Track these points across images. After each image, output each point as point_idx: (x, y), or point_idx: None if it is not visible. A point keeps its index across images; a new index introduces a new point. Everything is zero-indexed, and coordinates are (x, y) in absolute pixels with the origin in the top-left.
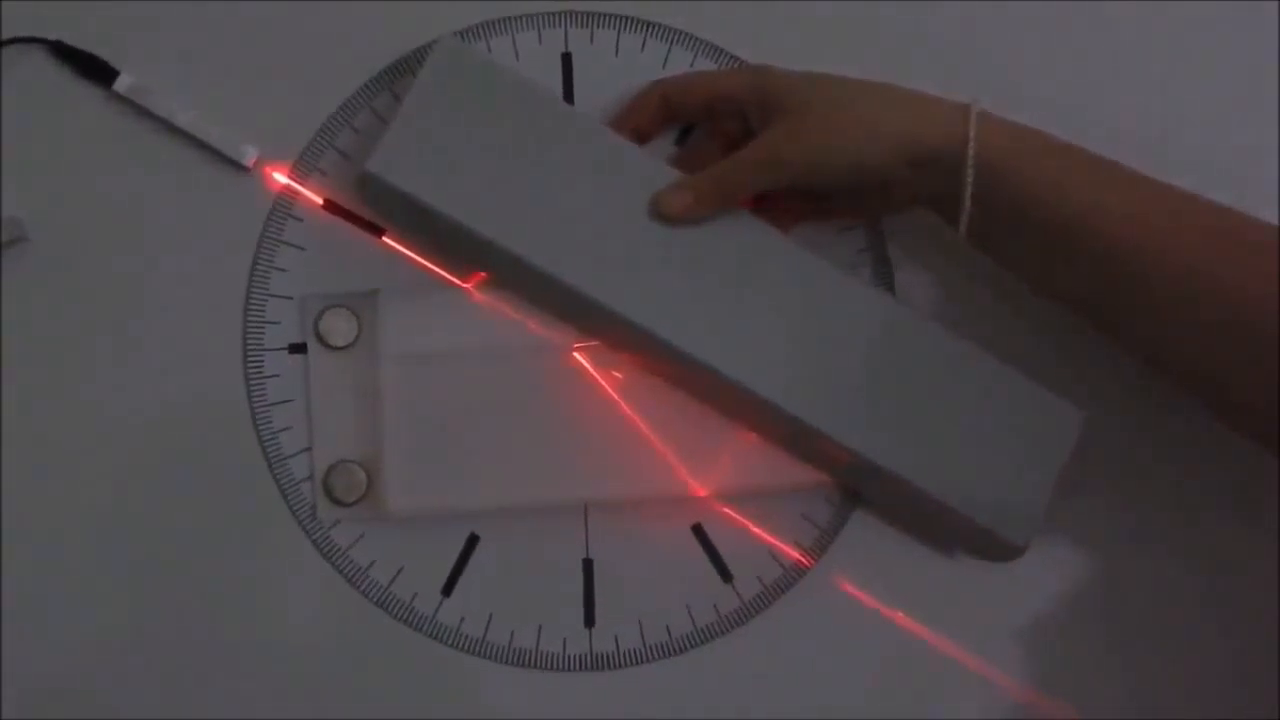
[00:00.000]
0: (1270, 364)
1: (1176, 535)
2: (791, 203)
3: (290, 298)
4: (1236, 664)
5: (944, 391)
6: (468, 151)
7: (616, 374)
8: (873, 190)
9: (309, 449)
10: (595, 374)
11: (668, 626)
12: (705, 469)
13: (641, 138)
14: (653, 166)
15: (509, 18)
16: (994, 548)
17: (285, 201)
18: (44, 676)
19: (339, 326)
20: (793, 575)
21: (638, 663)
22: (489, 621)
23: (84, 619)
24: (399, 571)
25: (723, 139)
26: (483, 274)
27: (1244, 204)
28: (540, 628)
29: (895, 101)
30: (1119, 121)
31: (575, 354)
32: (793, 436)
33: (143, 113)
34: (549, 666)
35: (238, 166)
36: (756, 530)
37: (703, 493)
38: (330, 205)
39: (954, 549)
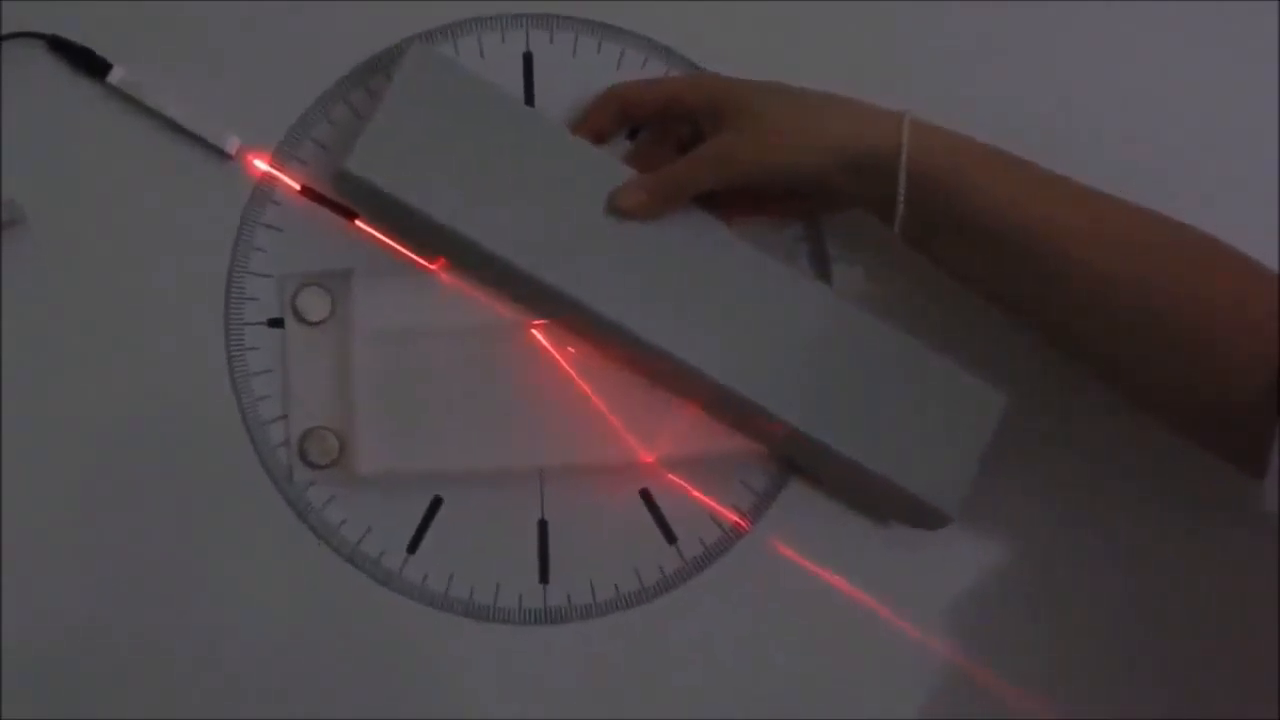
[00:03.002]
0: (1175, 354)
1: (1095, 509)
2: (736, 200)
3: (269, 276)
4: (1146, 628)
5: (875, 373)
6: (437, 151)
7: (571, 350)
8: (812, 191)
9: (285, 416)
10: (551, 350)
11: (616, 584)
12: (652, 437)
13: (598, 138)
14: (609, 166)
15: (475, 19)
16: (923, 516)
17: (265, 187)
18: (41, 616)
19: (314, 303)
20: (732, 537)
21: (588, 617)
22: (450, 578)
23: (72, 569)
24: (367, 530)
25: (673, 139)
26: (447, 257)
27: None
28: (498, 584)
29: (835, 109)
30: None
31: (533, 331)
32: (733, 410)
33: (134, 104)
34: (506, 620)
35: (221, 154)
36: (699, 495)
37: (649, 459)
38: (307, 191)
39: (886, 517)
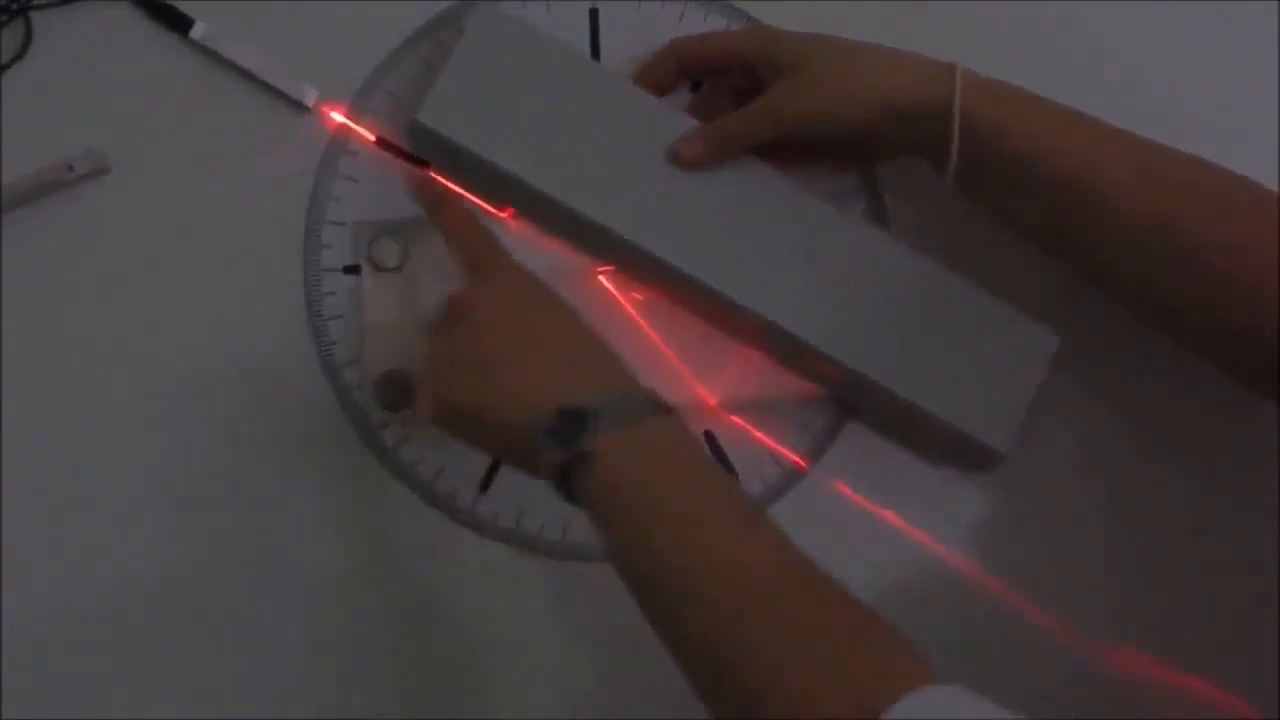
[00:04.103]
0: (1212, 291)
1: (1144, 450)
2: (793, 149)
3: (345, 224)
4: (1200, 569)
5: (930, 314)
6: (505, 103)
7: (636, 295)
8: (867, 140)
9: (361, 360)
10: (617, 295)
11: None
12: (715, 381)
13: (660, 90)
14: (670, 117)
15: None
16: (976, 454)
17: (341, 138)
18: (101, 579)
19: (388, 250)
20: (792, 477)
21: None
22: (520, 515)
23: (157, 507)
24: (441, 470)
25: (733, 91)
26: (516, 207)
27: None
28: (566, 521)
29: (888, 61)
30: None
31: (599, 277)
32: (793, 353)
33: (215, 58)
34: (574, 556)
35: (299, 106)
36: (760, 436)
37: (712, 402)
38: (381, 142)
39: (939, 457)
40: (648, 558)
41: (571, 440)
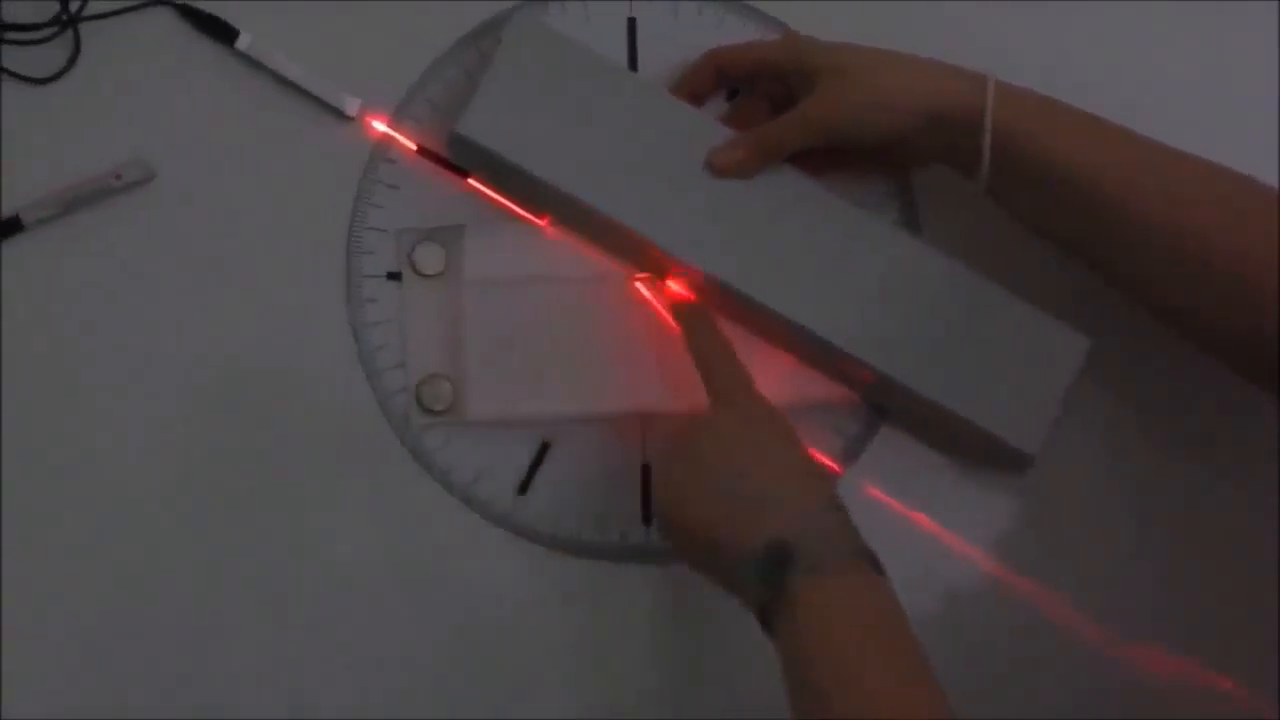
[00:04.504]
0: (1244, 304)
1: (1175, 454)
2: (828, 157)
3: (386, 231)
4: (1224, 566)
5: (961, 318)
6: (544, 113)
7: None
8: (899, 148)
9: (402, 364)
10: (654, 301)
11: None
12: None
13: (697, 100)
14: (708, 125)
15: None
16: (1006, 457)
17: (383, 146)
18: (126, 565)
19: (430, 257)
20: None
21: None
22: (558, 518)
23: (198, 508)
24: (480, 473)
25: (768, 100)
26: (555, 214)
27: None
28: (603, 524)
29: (921, 70)
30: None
31: (636, 284)
32: (825, 358)
33: (259, 68)
34: (610, 558)
35: (342, 115)
36: None
37: None
38: (422, 150)
39: (972, 460)
40: (821, 709)
41: (774, 579)
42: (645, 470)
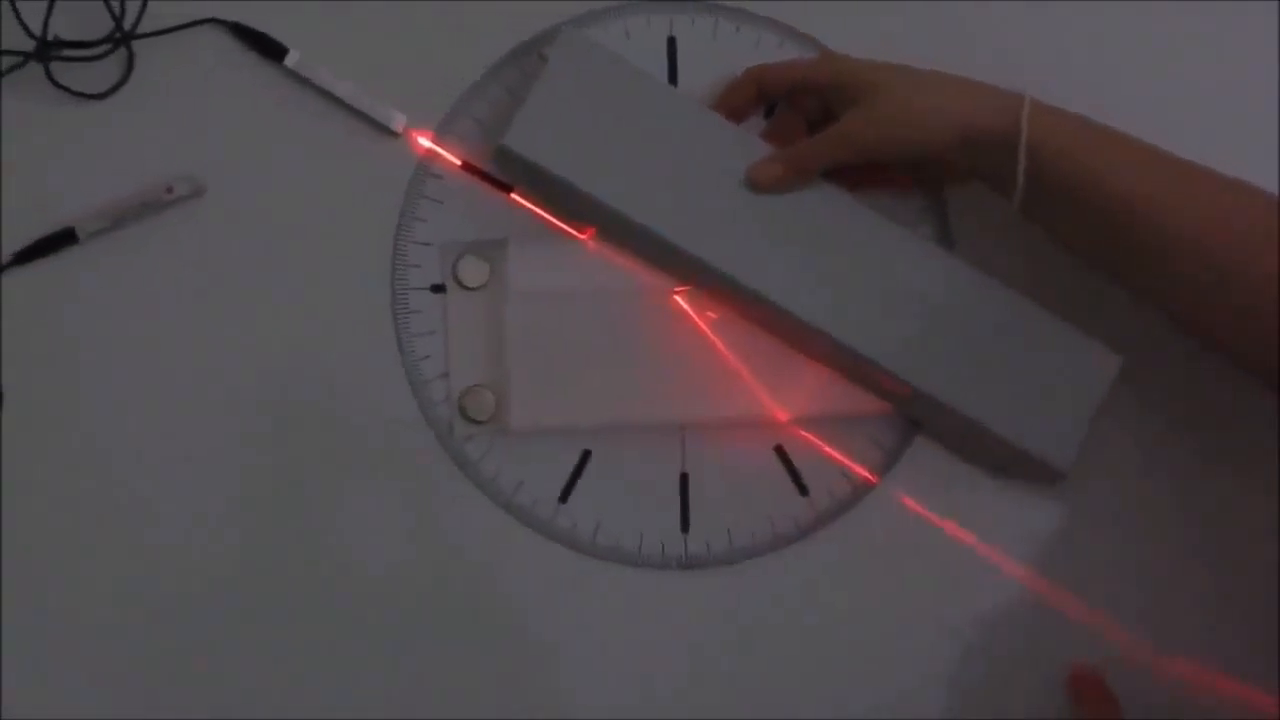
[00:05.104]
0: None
1: (1206, 467)
2: (863, 173)
3: (431, 244)
4: (1260, 586)
5: (994, 334)
6: (587, 128)
7: (710, 314)
8: (935, 165)
9: (446, 375)
10: (692, 314)
11: (752, 533)
12: (786, 397)
13: (736, 116)
14: (747, 141)
15: (622, 5)
16: (1038, 471)
17: (427, 161)
18: (185, 579)
19: (473, 270)
20: (861, 491)
21: (725, 564)
22: (598, 526)
23: (242, 502)
24: (522, 482)
25: (806, 117)
26: (596, 227)
27: None
28: (642, 532)
29: (956, 89)
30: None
31: (675, 297)
32: (861, 371)
33: (308, 85)
34: (649, 566)
35: (388, 131)
36: (830, 451)
37: (784, 417)
38: (466, 165)
39: (1002, 473)
40: None
41: None
42: (683, 479)
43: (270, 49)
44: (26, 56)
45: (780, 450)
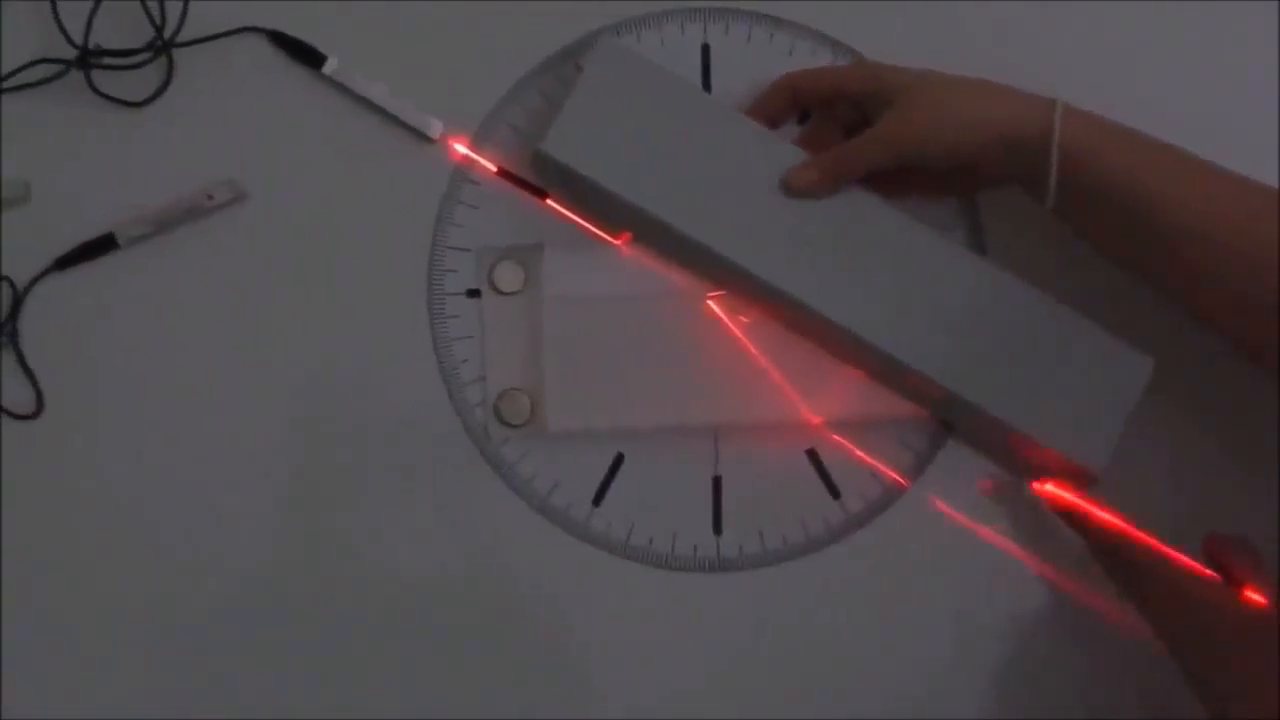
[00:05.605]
0: None
1: (1239, 470)
2: (897, 179)
3: (467, 250)
4: None
5: (1027, 337)
6: (624, 134)
7: (743, 318)
8: (969, 170)
9: (482, 379)
10: (726, 318)
11: (784, 536)
12: (819, 400)
13: (771, 123)
14: (782, 148)
15: (657, 13)
16: (1071, 474)
17: (464, 168)
18: (223, 581)
19: (509, 275)
20: (892, 494)
21: (758, 566)
22: (632, 528)
23: (282, 514)
24: (556, 484)
25: (840, 123)
26: (631, 232)
27: None
28: (675, 534)
29: (990, 94)
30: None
31: (709, 301)
32: (894, 374)
33: (346, 92)
34: (682, 568)
35: (425, 138)
36: (862, 454)
37: (816, 421)
38: (502, 172)
39: (1034, 476)
40: None
41: None
42: (716, 482)
43: (309, 56)
44: (68, 65)
45: (812, 453)
